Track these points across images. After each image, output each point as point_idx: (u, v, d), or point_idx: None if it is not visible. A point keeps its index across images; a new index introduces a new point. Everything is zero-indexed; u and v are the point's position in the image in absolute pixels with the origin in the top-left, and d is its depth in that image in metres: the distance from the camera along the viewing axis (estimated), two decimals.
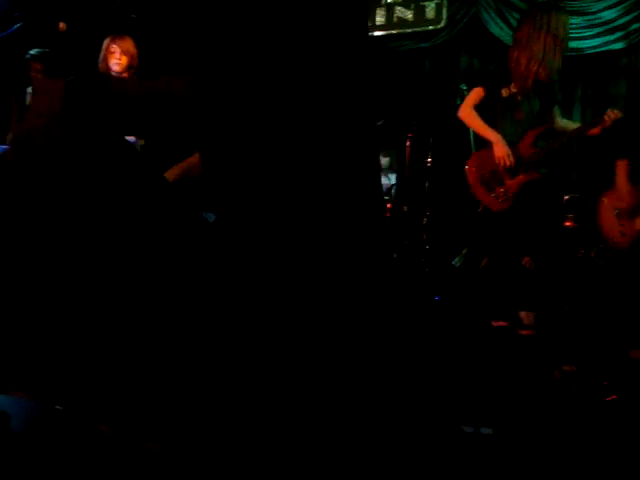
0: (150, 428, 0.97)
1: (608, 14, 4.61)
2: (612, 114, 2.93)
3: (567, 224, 4.27)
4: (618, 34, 4.60)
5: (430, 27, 5.35)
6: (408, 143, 4.56)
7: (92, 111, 0.98)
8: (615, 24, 4.59)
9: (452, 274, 4.40)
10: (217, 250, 1.08)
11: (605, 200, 3.74)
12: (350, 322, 1.08)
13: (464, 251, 4.43)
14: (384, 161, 5.03)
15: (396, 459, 1.08)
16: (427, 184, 4.49)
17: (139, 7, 6.29)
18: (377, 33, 5.57)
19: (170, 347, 1.02)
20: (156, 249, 1.16)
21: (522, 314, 3.08)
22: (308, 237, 1.07)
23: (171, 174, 2.81)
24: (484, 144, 3.16)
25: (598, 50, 4.71)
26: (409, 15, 5.43)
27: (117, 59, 3.70)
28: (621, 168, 3.44)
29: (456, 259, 4.45)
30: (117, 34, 3.75)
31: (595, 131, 3.00)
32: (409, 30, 5.45)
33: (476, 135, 3.32)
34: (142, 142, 3.76)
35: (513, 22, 4.52)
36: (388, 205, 4.62)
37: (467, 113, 3.16)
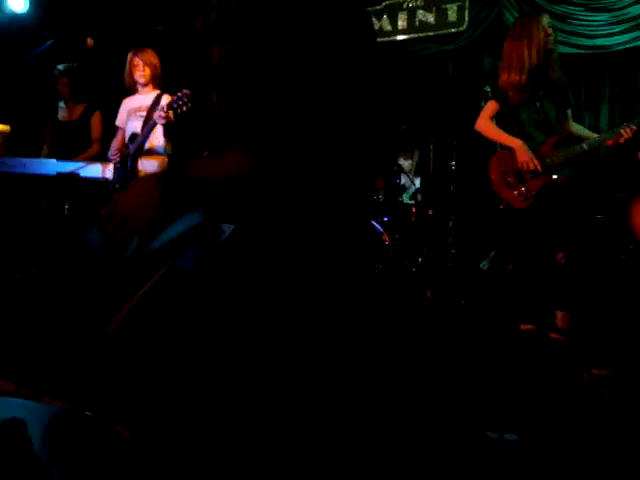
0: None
1: (635, 9, 4.51)
2: (629, 130, 2.91)
3: (596, 225, 4.21)
4: None
5: (452, 30, 5.32)
6: (432, 146, 4.54)
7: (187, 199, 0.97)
8: None
9: (480, 277, 4.36)
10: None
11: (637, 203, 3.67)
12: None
13: (491, 254, 4.39)
14: (407, 164, 5.01)
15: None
16: (452, 187, 4.46)
17: (164, 19, 6.42)
18: (400, 37, 5.57)
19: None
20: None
21: (558, 314, 3.06)
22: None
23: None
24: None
25: (626, 46, 4.62)
26: (431, 18, 5.42)
27: (141, 71, 3.80)
28: None
29: (484, 262, 4.41)
30: (139, 48, 3.85)
31: (609, 143, 3.00)
32: (431, 33, 5.44)
33: None
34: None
35: None
36: (413, 209, 4.60)
37: (484, 125, 3.21)
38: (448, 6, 5.33)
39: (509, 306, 3.37)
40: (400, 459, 1.74)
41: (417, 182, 4.92)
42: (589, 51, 4.74)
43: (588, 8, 4.69)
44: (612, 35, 4.64)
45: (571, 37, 4.56)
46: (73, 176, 3.85)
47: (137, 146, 3.71)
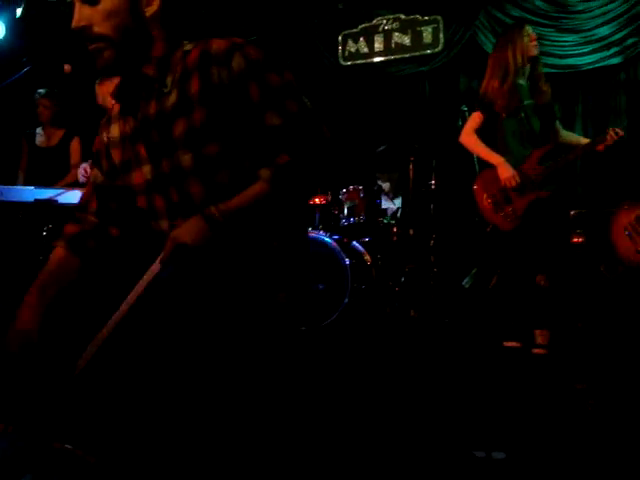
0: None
1: (603, 30, 4.65)
2: (614, 133, 2.94)
3: (575, 240, 4.26)
4: (614, 49, 4.63)
5: (428, 51, 5.42)
6: (411, 166, 4.58)
7: None
8: (611, 40, 4.63)
9: (463, 295, 4.38)
10: None
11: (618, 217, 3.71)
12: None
13: (473, 271, 4.42)
14: (388, 185, 5.05)
15: None
16: (432, 206, 4.49)
17: None
18: (376, 59, 5.65)
19: None
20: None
21: (537, 332, 3.05)
22: None
23: None
24: (489, 164, 3.16)
25: (596, 66, 4.75)
26: (407, 40, 5.51)
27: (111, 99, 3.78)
28: None
29: (466, 280, 4.44)
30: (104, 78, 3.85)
31: (600, 148, 2.99)
32: (407, 55, 5.52)
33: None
34: None
35: None
36: (394, 229, 4.62)
37: (468, 138, 3.16)
38: (423, 28, 5.43)
39: (493, 323, 3.38)
40: None
41: (397, 202, 4.95)
42: (560, 70, 4.85)
43: (558, 29, 4.81)
44: (582, 55, 4.76)
45: (543, 57, 4.62)
46: (51, 203, 3.81)
47: None
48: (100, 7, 1.16)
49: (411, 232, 4.59)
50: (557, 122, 3.22)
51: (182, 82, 1.21)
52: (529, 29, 3.07)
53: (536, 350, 3.03)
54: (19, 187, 4.00)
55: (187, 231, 1.13)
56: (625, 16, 4.57)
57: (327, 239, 4.11)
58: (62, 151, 4.33)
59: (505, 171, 3.00)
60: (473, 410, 2.30)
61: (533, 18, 4.86)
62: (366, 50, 5.70)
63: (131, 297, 1.19)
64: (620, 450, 1.88)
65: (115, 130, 1.34)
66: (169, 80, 1.22)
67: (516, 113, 3.05)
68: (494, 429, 2.06)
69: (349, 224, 4.48)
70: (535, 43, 3.06)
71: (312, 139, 1.26)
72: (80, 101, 5.15)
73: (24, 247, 3.82)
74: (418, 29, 5.45)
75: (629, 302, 3.63)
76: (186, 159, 1.21)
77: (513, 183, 2.98)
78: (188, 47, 1.24)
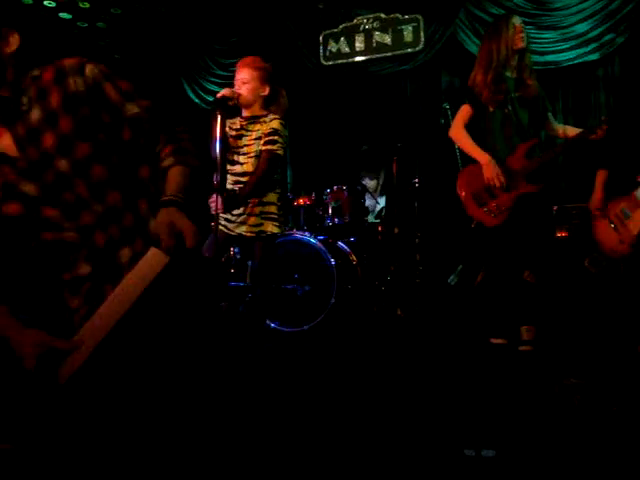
0: None
1: (581, 27, 4.69)
2: (603, 127, 2.93)
3: (559, 234, 4.29)
4: (592, 45, 4.68)
5: (409, 50, 5.44)
6: (395, 165, 4.59)
7: None
8: (589, 36, 4.68)
9: (448, 293, 4.40)
10: None
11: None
12: None
13: (459, 268, 4.43)
14: (372, 184, 5.06)
15: None
16: (416, 204, 4.50)
17: (121, 47, 6.39)
18: (358, 59, 5.66)
19: None
20: None
21: (523, 329, 3.05)
22: None
23: None
24: (473, 160, 3.13)
25: (575, 62, 4.79)
26: (388, 39, 5.52)
27: None
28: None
29: (451, 277, 4.45)
30: None
31: (593, 137, 2.96)
32: (389, 54, 5.54)
33: (462, 153, 3.31)
34: None
35: None
36: (379, 228, 4.63)
37: (458, 133, 3.12)
38: (404, 27, 5.45)
39: (479, 320, 3.39)
40: None
41: (381, 201, 4.96)
42: (540, 67, 4.88)
43: (538, 26, 4.85)
44: (561, 52, 4.81)
45: None
46: None
47: None
48: None
49: (396, 231, 4.60)
50: (549, 115, 3.20)
51: (40, 99, 1.36)
52: (516, 20, 3.03)
53: (522, 347, 3.03)
54: None
55: (177, 220, 1.26)
56: (602, 13, 4.62)
57: (312, 240, 4.10)
58: None
59: (489, 170, 2.96)
60: (462, 408, 2.31)
61: None
62: (347, 50, 5.70)
63: (131, 291, 1.18)
64: (608, 445, 1.89)
65: None
66: (25, 100, 1.35)
67: (503, 106, 3.01)
68: (483, 427, 2.07)
69: (334, 224, 4.48)
70: (522, 35, 3.01)
71: (172, 123, 1.54)
72: None
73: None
74: (399, 28, 5.46)
75: (613, 296, 3.67)
76: (63, 164, 1.35)
77: (497, 183, 2.94)
78: (36, 72, 1.39)
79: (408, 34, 5.43)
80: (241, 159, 2.94)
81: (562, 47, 4.79)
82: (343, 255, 4.33)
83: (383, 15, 5.53)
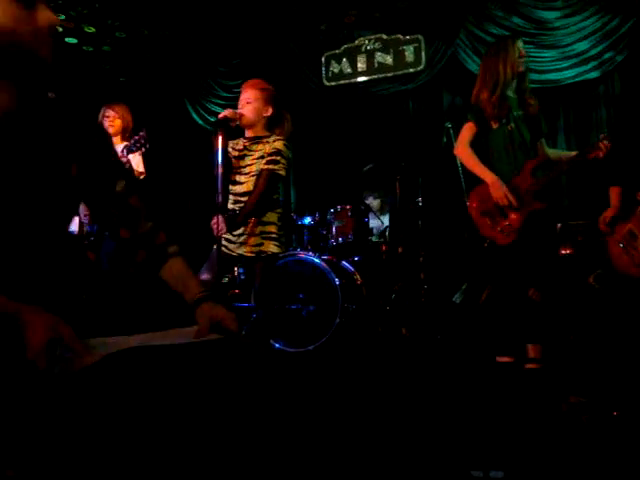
0: None
1: (581, 45, 4.74)
2: (606, 142, 2.94)
3: (563, 252, 4.28)
4: (592, 64, 4.72)
5: (410, 70, 5.49)
6: (398, 184, 4.61)
7: None
8: (588, 55, 4.72)
9: (453, 311, 4.38)
10: None
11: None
12: None
13: (463, 287, 4.42)
14: (375, 203, 5.07)
15: None
16: (420, 223, 4.51)
17: (126, 70, 6.48)
18: (360, 79, 5.71)
19: None
20: None
21: (529, 347, 3.04)
22: None
23: None
24: (476, 179, 3.15)
25: (575, 80, 4.83)
26: (389, 60, 5.58)
27: (111, 122, 3.85)
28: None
29: (456, 295, 4.44)
30: (114, 101, 3.93)
31: (590, 157, 2.98)
32: (390, 74, 5.59)
33: (465, 171, 3.32)
34: None
35: None
36: (383, 247, 4.63)
37: (463, 151, 3.12)
38: (405, 47, 5.51)
39: (485, 339, 3.37)
40: None
41: (385, 220, 4.97)
42: (541, 85, 4.93)
43: (537, 45, 4.90)
44: (561, 70, 4.85)
45: None
46: None
47: None
48: None
49: (400, 250, 4.60)
50: (542, 139, 3.23)
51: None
52: (520, 44, 3.09)
53: (529, 365, 3.01)
54: None
55: (217, 311, 1.33)
56: (601, 31, 4.67)
57: (316, 260, 4.10)
58: None
59: (497, 190, 2.97)
60: (469, 428, 2.29)
61: None
62: (349, 70, 5.76)
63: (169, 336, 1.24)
64: (617, 464, 1.87)
65: None
66: None
67: (506, 123, 3.05)
68: (491, 447, 2.04)
69: (338, 244, 4.48)
70: (524, 60, 3.08)
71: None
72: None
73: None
74: (400, 48, 5.52)
75: (619, 313, 3.64)
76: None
77: (505, 202, 2.95)
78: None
79: (409, 54, 5.49)
80: (242, 179, 2.96)
81: (562, 65, 4.83)
82: (347, 275, 4.32)
83: (384, 36, 5.60)
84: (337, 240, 4.49)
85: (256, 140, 2.96)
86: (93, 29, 5.59)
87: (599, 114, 4.91)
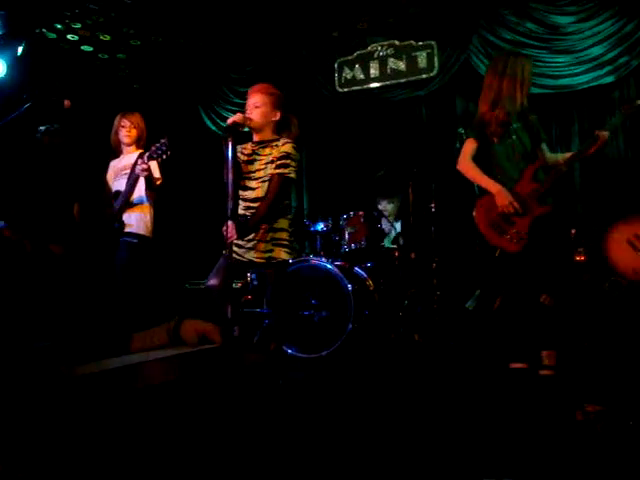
0: None
1: (596, 50, 4.70)
2: (603, 133, 2.98)
3: (577, 258, 4.25)
4: (607, 68, 4.68)
5: (423, 75, 5.48)
6: (411, 190, 4.60)
7: None
8: (603, 59, 4.68)
9: (467, 317, 4.35)
10: None
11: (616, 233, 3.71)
12: None
13: (477, 293, 4.40)
14: (388, 209, 5.06)
15: None
16: (433, 229, 4.49)
17: (141, 77, 6.54)
18: (373, 85, 5.72)
19: None
20: None
21: (543, 353, 3.02)
22: None
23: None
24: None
25: (590, 85, 4.79)
26: (402, 66, 5.58)
27: (127, 132, 3.90)
28: None
29: (469, 302, 4.41)
30: (128, 111, 3.97)
31: (590, 152, 3.02)
32: (403, 80, 5.58)
33: None
34: None
35: None
36: (396, 253, 4.62)
37: (465, 165, 3.17)
38: (418, 53, 5.50)
39: (498, 345, 3.35)
40: None
41: (398, 226, 4.96)
42: (554, 91, 4.90)
43: (551, 51, 4.87)
44: (576, 75, 4.81)
45: (536, 78, 4.69)
46: None
47: (121, 202, 3.75)
48: None
49: (413, 256, 4.59)
50: (543, 143, 3.25)
51: None
52: (531, 65, 3.15)
53: (543, 371, 2.99)
54: None
55: (199, 325, 1.38)
56: (616, 36, 4.62)
57: (329, 265, 4.11)
58: None
59: (502, 199, 3.02)
60: (482, 435, 2.27)
61: (526, 40, 4.93)
62: (362, 76, 5.77)
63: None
64: (631, 474, 1.84)
65: None
66: None
67: (508, 136, 3.10)
68: (503, 454, 2.03)
69: (350, 250, 4.48)
70: (530, 80, 3.15)
71: None
72: (80, 136, 5.22)
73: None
74: (413, 54, 5.52)
75: (633, 319, 3.60)
76: None
77: (511, 210, 3.00)
78: None
79: (422, 60, 5.48)
80: (253, 184, 2.96)
81: (576, 70, 4.79)
82: (360, 280, 4.32)
83: (397, 42, 5.60)
84: (350, 246, 4.49)
85: (264, 144, 2.97)
86: (108, 37, 5.66)
87: (614, 119, 4.86)
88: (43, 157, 1.35)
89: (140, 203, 3.83)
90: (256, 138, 3.01)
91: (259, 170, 2.94)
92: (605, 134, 2.99)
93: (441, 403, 2.82)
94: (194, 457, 1.09)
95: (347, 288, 4.00)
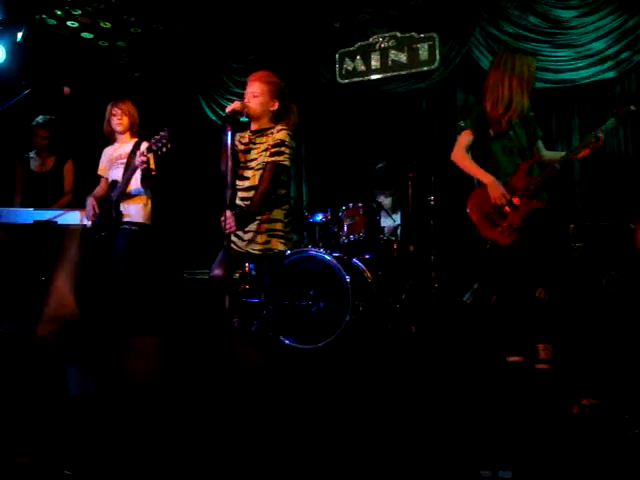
0: None
1: (597, 45, 4.68)
2: (599, 136, 2.97)
3: (575, 253, 4.25)
4: (609, 63, 4.66)
5: (424, 68, 5.46)
6: (410, 183, 4.60)
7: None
8: (605, 54, 4.66)
9: (464, 311, 4.37)
10: None
11: None
12: None
13: (474, 287, 4.41)
14: (387, 201, 5.06)
15: None
16: (432, 222, 4.50)
17: (141, 66, 6.51)
18: (373, 77, 5.69)
19: None
20: None
21: (540, 347, 3.04)
22: None
23: None
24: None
25: (591, 80, 4.78)
26: (403, 58, 5.56)
27: (119, 120, 3.89)
28: None
29: (467, 295, 4.42)
30: (118, 99, 3.95)
31: (583, 154, 3.02)
32: (404, 72, 5.56)
33: None
34: None
35: None
36: (394, 245, 4.62)
37: (459, 156, 3.18)
38: (419, 45, 5.48)
39: (495, 338, 3.36)
40: None
41: (397, 219, 4.96)
42: (556, 85, 4.88)
43: (553, 45, 4.85)
44: (577, 69, 4.79)
45: (538, 72, 4.64)
46: (50, 224, 3.83)
47: (119, 192, 3.74)
48: None
49: (411, 248, 4.59)
50: (539, 141, 3.26)
51: None
52: (533, 64, 3.14)
53: (539, 365, 3.01)
54: (19, 209, 4.03)
55: None
56: (618, 31, 4.60)
57: (327, 257, 4.11)
58: (56, 176, 4.45)
59: (494, 190, 3.04)
60: (478, 427, 2.28)
61: (528, 34, 4.91)
62: (363, 68, 5.74)
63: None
64: (626, 467, 1.85)
65: None
66: None
67: (505, 133, 3.11)
68: (500, 447, 2.04)
69: (349, 241, 4.48)
70: (534, 77, 3.16)
71: None
72: (80, 123, 5.20)
73: (24, 267, 3.84)
74: (414, 46, 5.49)
75: (632, 314, 3.62)
76: None
77: (503, 201, 3.02)
78: None
79: (424, 52, 5.46)
80: (248, 173, 2.94)
81: (578, 65, 4.78)
82: (358, 272, 4.32)
83: (399, 34, 5.57)
84: (348, 238, 4.49)
85: (261, 133, 2.94)
86: (109, 24, 5.62)
87: None
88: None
89: (138, 194, 3.82)
90: (254, 127, 2.99)
91: (255, 159, 2.92)
92: (600, 137, 2.98)
93: (438, 395, 2.83)
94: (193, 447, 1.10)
95: (345, 279, 4.01)
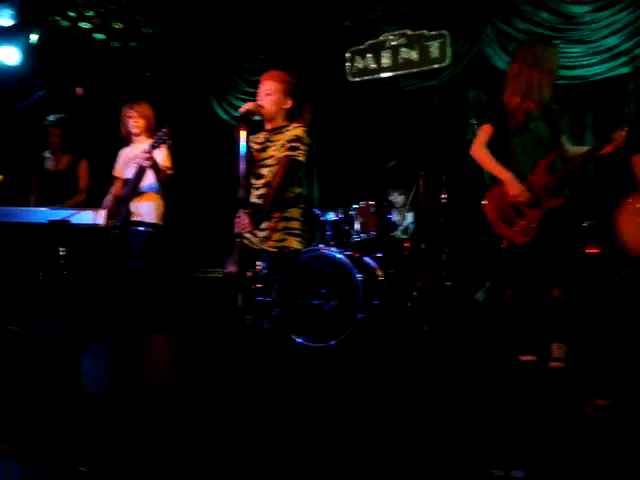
0: None
1: (611, 41, 4.63)
2: (622, 133, 2.89)
3: (590, 251, 4.21)
4: (622, 59, 4.61)
5: (436, 65, 5.44)
6: (422, 181, 4.58)
7: None
8: (619, 50, 4.61)
9: (476, 309, 4.35)
10: None
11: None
12: None
13: (487, 285, 4.38)
14: (399, 199, 5.05)
15: None
16: (443, 220, 4.48)
17: (152, 66, 6.55)
18: (384, 75, 5.68)
19: None
20: None
21: (553, 346, 3.01)
22: None
23: None
24: (497, 179, 3.13)
25: (605, 76, 4.73)
26: (414, 55, 5.54)
27: (135, 122, 3.92)
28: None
29: (479, 293, 4.40)
30: (134, 101, 3.99)
31: (608, 150, 2.94)
32: (415, 70, 5.54)
33: None
34: None
35: None
36: (406, 244, 4.61)
37: (479, 151, 3.12)
38: (430, 43, 5.46)
39: (508, 337, 3.34)
40: None
41: (409, 217, 4.95)
42: (569, 81, 4.84)
43: (566, 41, 4.81)
44: (590, 66, 4.74)
45: None
46: (64, 223, 3.87)
47: (129, 190, 3.79)
48: None
49: (423, 246, 4.58)
50: (563, 134, 3.19)
51: None
52: (555, 54, 3.10)
53: (553, 364, 2.98)
54: (33, 209, 4.07)
55: None
56: (632, 26, 4.55)
57: (339, 255, 4.11)
58: (71, 175, 4.50)
59: (513, 188, 2.98)
60: (491, 427, 2.27)
61: (540, 30, 4.87)
62: (374, 66, 5.73)
63: None
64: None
65: None
66: None
67: (526, 127, 3.04)
68: (513, 446, 2.03)
69: (361, 240, 4.48)
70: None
71: None
72: (92, 123, 5.25)
73: (40, 266, 3.88)
74: (425, 44, 5.47)
75: None
76: None
77: (522, 199, 2.96)
78: None
79: (434, 50, 5.43)
80: (264, 171, 2.94)
81: (591, 61, 4.73)
82: (369, 270, 4.32)
83: (409, 31, 5.55)
84: (360, 236, 4.49)
85: (276, 131, 2.95)
86: (121, 25, 5.66)
87: (628, 111, 4.81)
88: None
89: (149, 192, 3.86)
90: (268, 126, 2.99)
91: (272, 157, 2.92)
92: (622, 135, 2.86)
93: (450, 394, 2.82)
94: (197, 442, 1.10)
95: (357, 278, 4.01)
